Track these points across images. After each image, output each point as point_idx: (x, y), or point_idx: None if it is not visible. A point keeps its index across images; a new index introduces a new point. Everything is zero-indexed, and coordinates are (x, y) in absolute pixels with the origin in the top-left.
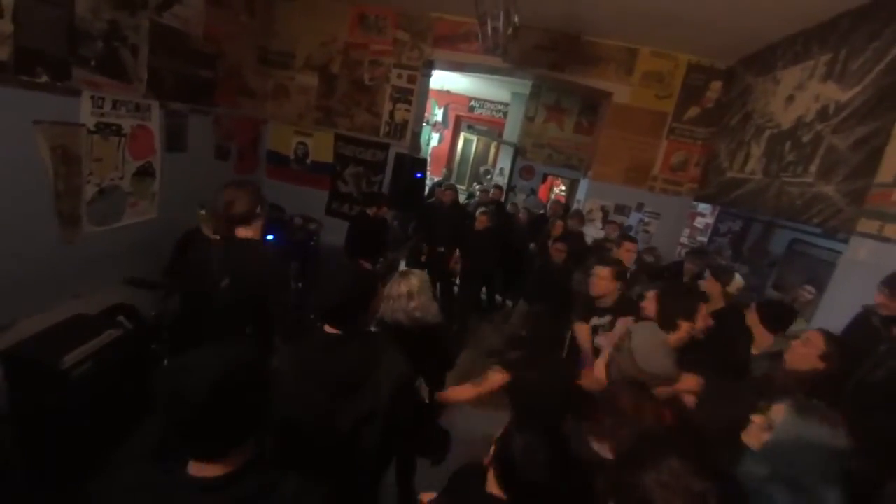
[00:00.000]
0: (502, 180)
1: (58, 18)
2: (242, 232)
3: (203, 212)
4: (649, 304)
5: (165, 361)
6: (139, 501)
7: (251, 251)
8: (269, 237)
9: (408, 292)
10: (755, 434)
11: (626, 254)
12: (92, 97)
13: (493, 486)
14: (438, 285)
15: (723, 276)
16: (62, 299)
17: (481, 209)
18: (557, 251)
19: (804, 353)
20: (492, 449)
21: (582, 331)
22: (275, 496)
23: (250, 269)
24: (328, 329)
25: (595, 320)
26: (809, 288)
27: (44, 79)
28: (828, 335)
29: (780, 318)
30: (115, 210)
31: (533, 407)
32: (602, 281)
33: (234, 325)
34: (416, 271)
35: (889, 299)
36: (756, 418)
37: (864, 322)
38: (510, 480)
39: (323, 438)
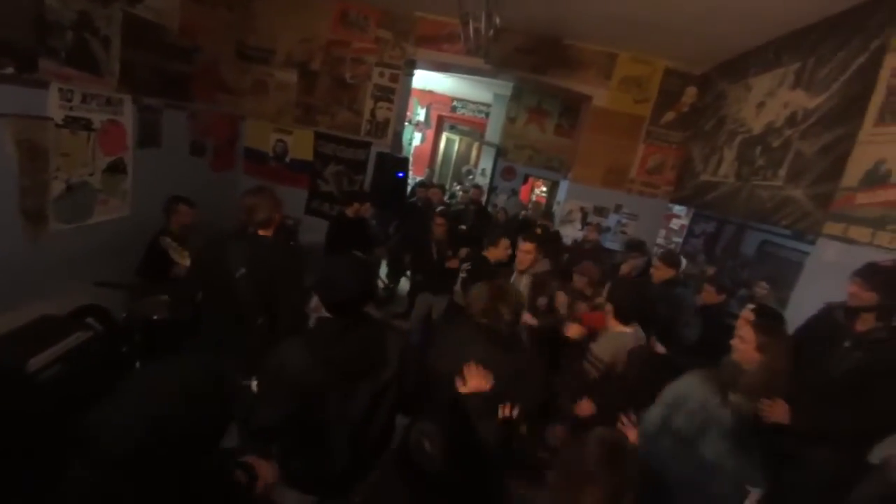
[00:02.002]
0: (484, 181)
1: (25, 7)
2: (262, 232)
3: (169, 240)
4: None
5: (137, 364)
6: None
7: (267, 246)
8: None
9: None
10: None
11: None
12: (60, 90)
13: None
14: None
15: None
16: (28, 300)
17: (438, 212)
18: (438, 226)
19: (742, 348)
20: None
21: None
22: None
23: (265, 261)
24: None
25: None
26: (763, 284)
27: (9, 70)
28: (756, 327)
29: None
30: (85, 207)
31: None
32: (527, 255)
33: (247, 314)
34: None
35: (861, 289)
36: None
37: (825, 318)
38: (405, 465)
39: (337, 422)
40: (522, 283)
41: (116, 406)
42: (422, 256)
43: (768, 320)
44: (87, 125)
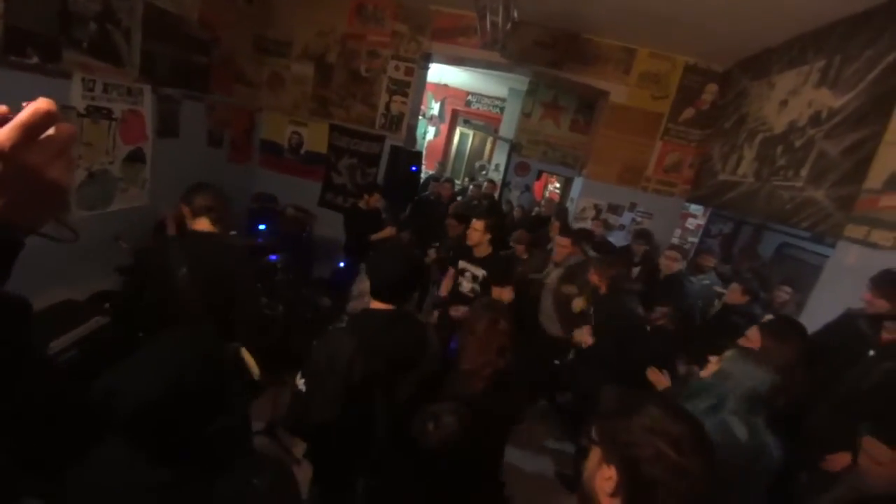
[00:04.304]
0: (497, 176)
1: None
2: (198, 226)
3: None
4: None
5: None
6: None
7: (210, 242)
8: (261, 227)
9: None
10: (709, 368)
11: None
12: (83, 80)
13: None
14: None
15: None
16: (50, 284)
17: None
18: (452, 227)
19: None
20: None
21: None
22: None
23: (212, 258)
24: (376, 305)
25: (463, 264)
26: (786, 288)
27: (34, 60)
28: (763, 329)
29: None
30: (105, 195)
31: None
32: (475, 232)
33: (192, 314)
34: None
35: (874, 297)
36: (712, 358)
37: (846, 325)
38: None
39: (381, 413)
40: (553, 275)
41: (126, 370)
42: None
43: (779, 324)
44: (108, 115)
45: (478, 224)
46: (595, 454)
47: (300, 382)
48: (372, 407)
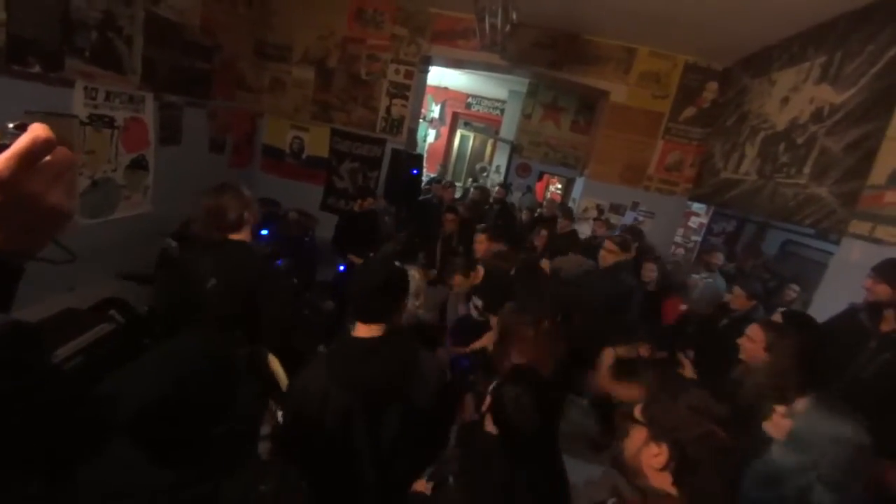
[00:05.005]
0: (498, 178)
1: (52, 7)
2: (234, 236)
3: (173, 243)
4: None
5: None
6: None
7: (239, 252)
8: (263, 232)
9: (414, 290)
10: (778, 423)
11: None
12: (85, 88)
13: (490, 426)
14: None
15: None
16: (55, 292)
17: (448, 208)
18: (449, 221)
19: (750, 347)
20: (488, 399)
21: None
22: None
23: (238, 269)
24: (360, 331)
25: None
26: (794, 286)
27: (36, 69)
28: (765, 326)
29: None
30: (108, 203)
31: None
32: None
33: (221, 326)
34: (413, 268)
35: (875, 282)
36: (778, 408)
37: (849, 318)
38: (503, 424)
39: (365, 445)
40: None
41: (129, 372)
42: (433, 251)
43: (781, 319)
44: (110, 122)
45: (459, 280)
46: (639, 432)
47: (279, 414)
48: (353, 443)
